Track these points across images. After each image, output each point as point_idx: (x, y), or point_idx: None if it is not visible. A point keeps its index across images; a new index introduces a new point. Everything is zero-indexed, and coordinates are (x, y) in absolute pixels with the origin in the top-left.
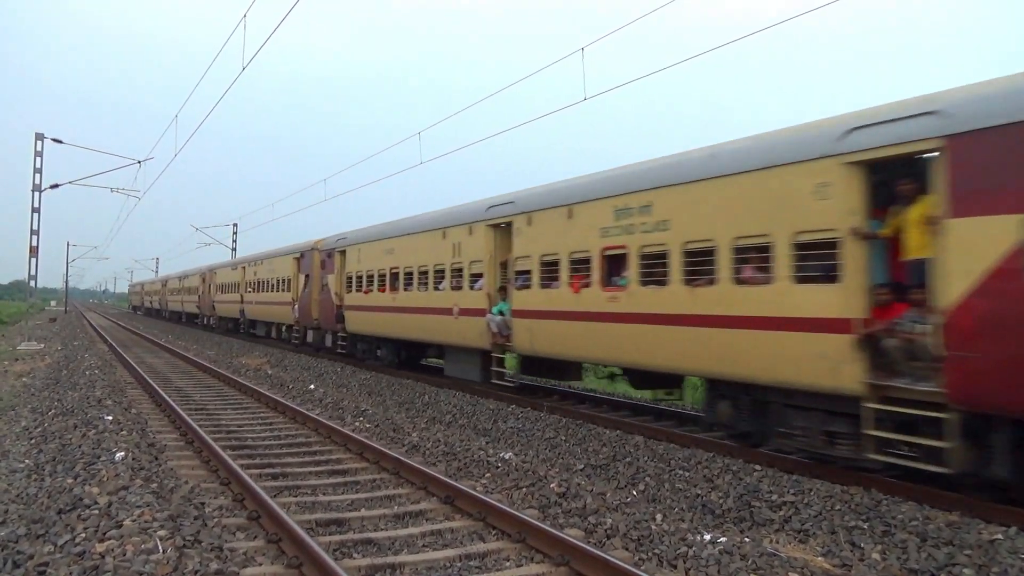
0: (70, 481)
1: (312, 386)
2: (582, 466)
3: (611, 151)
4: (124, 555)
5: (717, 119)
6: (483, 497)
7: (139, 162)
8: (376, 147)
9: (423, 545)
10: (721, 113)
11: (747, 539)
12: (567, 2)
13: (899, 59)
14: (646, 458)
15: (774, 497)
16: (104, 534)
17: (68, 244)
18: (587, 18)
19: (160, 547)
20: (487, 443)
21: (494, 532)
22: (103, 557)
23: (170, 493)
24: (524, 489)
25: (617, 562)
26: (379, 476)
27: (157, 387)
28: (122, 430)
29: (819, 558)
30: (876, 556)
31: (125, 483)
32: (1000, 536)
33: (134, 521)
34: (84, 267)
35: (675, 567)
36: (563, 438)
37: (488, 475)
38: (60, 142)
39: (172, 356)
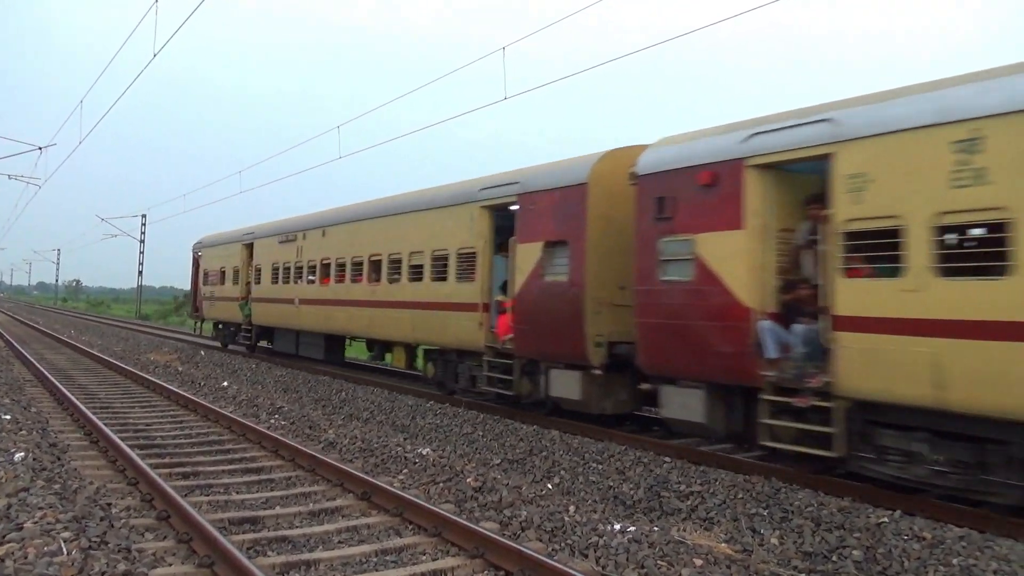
0: None
1: (226, 383)
2: (499, 460)
3: (531, 144)
4: (26, 558)
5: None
6: (400, 492)
7: (40, 148)
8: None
9: (339, 542)
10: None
11: (656, 528)
12: (491, 2)
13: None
14: (561, 452)
15: (682, 487)
16: (3, 537)
17: None
18: (510, 18)
19: (64, 549)
20: (405, 439)
21: (411, 527)
22: (3, 561)
23: (74, 494)
24: (441, 484)
25: (531, 553)
26: (294, 474)
27: (59, 384)
28: (21, 429)
29: (723, 544)
30: (775, 541)
31: (25, 484)
32: (886, 519)
33: (36, 523)
34: None
35: (586, 556)
36: (480, 433)
37: (406, 471)
38: None
39: (75, 352)
